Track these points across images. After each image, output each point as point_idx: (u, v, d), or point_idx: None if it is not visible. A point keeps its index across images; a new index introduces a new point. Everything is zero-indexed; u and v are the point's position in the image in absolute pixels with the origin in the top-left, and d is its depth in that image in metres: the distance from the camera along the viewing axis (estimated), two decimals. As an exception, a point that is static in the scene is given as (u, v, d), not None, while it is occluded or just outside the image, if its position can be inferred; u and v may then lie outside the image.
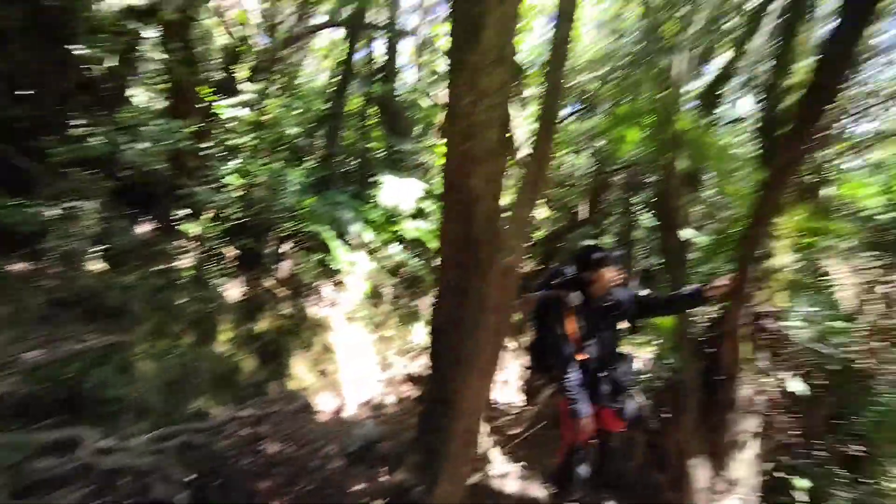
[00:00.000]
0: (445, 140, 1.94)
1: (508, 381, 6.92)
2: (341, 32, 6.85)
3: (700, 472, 2.59)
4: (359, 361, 5.21)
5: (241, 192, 4.48)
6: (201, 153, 4.52)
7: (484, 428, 3.16)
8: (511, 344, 7.91)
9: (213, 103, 4.61)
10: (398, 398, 4.98)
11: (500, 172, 1.99)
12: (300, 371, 4.98)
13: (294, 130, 5.38)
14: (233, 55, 5.40)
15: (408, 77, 8.19)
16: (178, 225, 4.40)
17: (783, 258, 2.73)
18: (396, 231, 6.16)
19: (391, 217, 5.97)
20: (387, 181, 5.72)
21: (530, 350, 2.51)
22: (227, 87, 5.03)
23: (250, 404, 4.13)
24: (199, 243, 4.41)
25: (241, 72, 5.26)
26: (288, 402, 4.69)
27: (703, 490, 2.57)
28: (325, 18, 6.65)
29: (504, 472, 2.82)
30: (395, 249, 5.97)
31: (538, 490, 3.00)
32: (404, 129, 6.73)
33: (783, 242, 2.76)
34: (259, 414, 3.96)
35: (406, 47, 7.81)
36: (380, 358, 5.32)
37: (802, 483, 2.84)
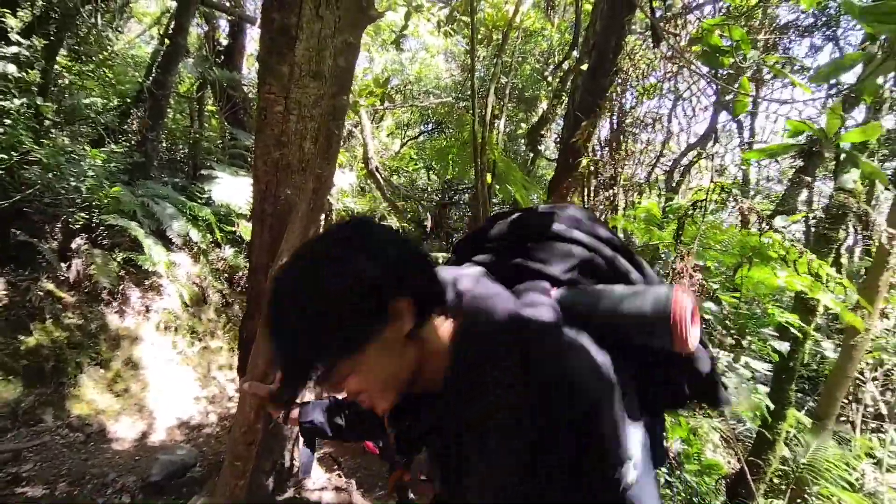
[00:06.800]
0: (257, 146, 1.87)
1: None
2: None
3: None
4: (173, 378, 4.58)
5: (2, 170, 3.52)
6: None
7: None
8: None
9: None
10: (220, 416, 4.52)
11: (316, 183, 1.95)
12: (91, 392, 4.19)
13: (97, 103, 4.45)
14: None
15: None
16: None
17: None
18: (233, 232, 5.63)
19: (226, 216, 5.43)
20: (222, 177, 5.19)
21: None
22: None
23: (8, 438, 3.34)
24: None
25: (14, 19, 4.14)
26: (72, 431, 3.96)
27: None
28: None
29: (323, 486, 2.80)
30: (228, 252, 5.44)
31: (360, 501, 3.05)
32: (249, 122, 6.20)
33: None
34: (15, 448, 3.19)
35: (256, 35, 7.24)
36: (200, 373, 4.75)
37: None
